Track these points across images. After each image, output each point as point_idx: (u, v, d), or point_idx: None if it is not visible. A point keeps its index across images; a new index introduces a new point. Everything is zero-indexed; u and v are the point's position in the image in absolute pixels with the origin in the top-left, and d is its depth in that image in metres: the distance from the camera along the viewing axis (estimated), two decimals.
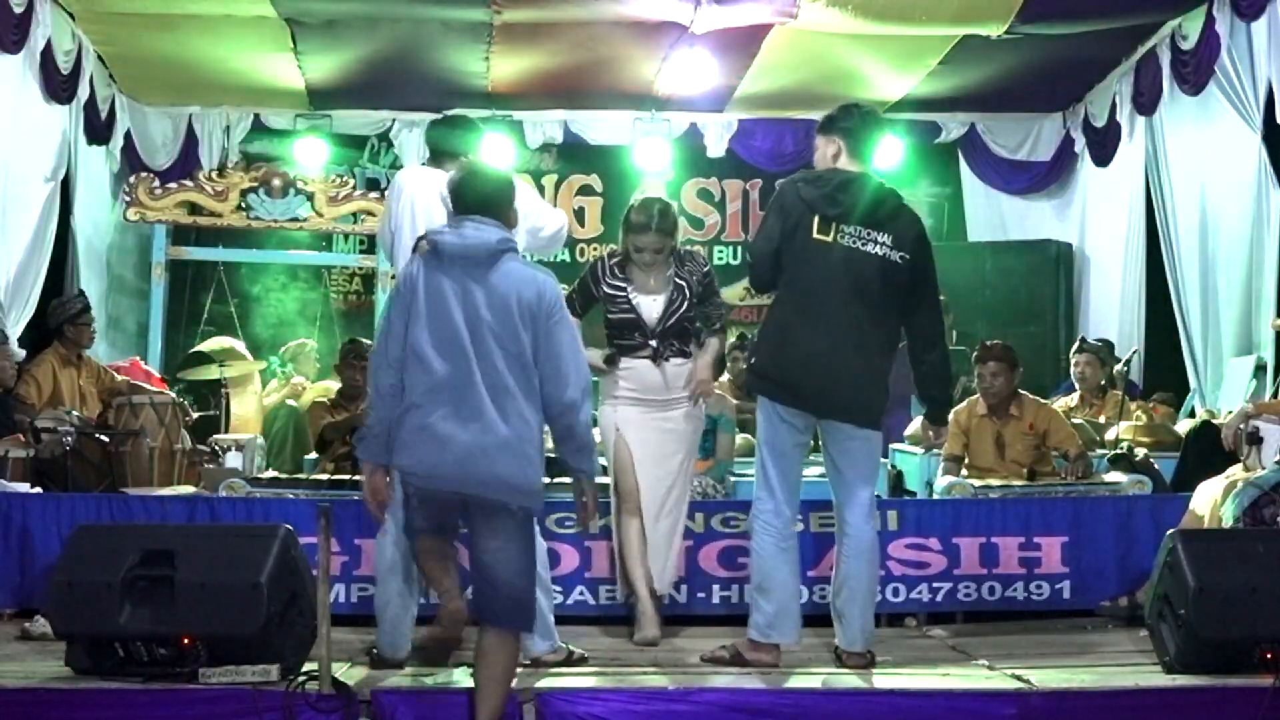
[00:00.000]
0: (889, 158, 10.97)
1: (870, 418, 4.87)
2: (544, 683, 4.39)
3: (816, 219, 4.78)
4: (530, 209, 5.10)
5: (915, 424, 8.00)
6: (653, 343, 5.53)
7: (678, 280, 5.53)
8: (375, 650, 4.82)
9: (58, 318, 7.66)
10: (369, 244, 10.05)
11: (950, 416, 6.98)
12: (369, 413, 4.30)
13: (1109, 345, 8.75)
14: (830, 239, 4.77)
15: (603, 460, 5.43)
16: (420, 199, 5.07)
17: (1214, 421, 6.91)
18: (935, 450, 6.46)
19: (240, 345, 9.01)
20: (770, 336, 4.93)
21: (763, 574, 4.83)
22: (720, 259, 11.44)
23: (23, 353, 7.59)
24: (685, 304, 5.52)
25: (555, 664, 4.73)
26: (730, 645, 4.90)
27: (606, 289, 5.57)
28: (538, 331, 4.12)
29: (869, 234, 4.79)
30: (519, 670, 4.61)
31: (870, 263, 4.78)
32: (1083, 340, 8.63)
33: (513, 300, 4.12)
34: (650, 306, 5.54)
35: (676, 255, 5.58)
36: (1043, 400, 7.15)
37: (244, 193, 9.39)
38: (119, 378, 7.75)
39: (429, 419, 4.06)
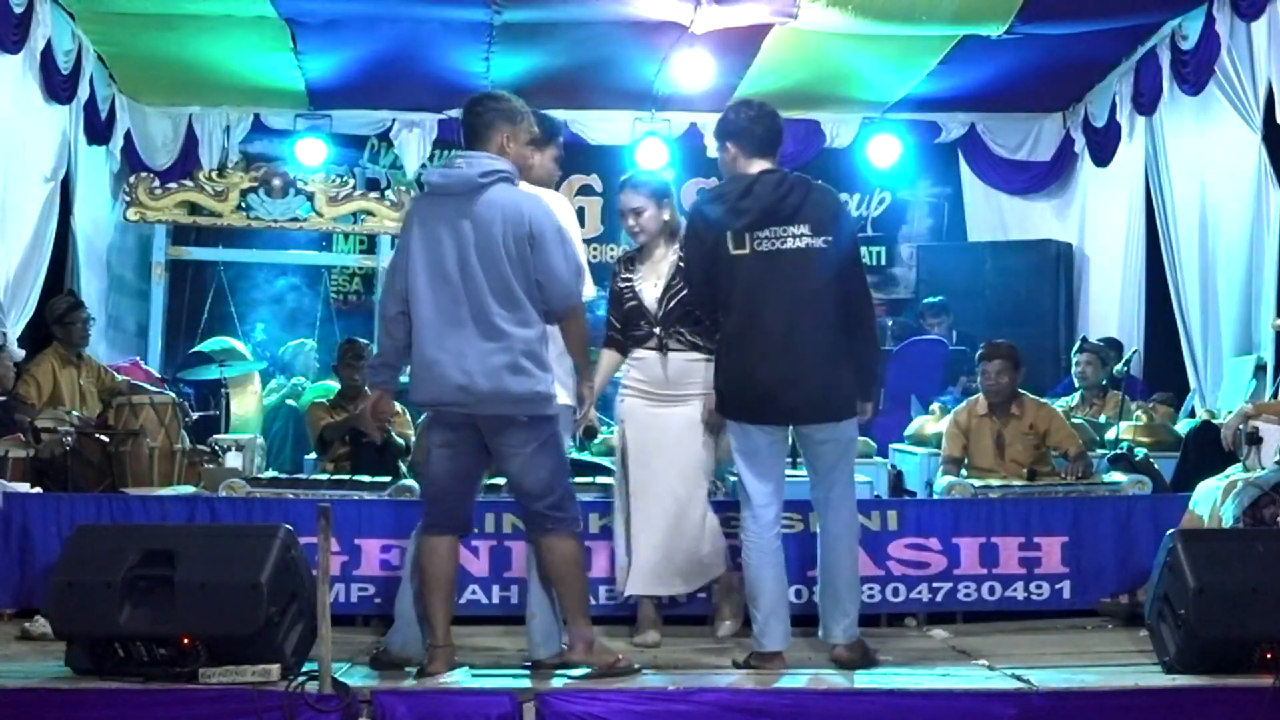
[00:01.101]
0: (889, 157, 11.01)
1: (837, 411, 4.82)
2: (544, 683, 4.39)
3: (730, 235, 4.75)
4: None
5: (916, 424, 8.05)
6: (656, 330, 5.40)
7: (680, 263, 5.33)
8: (384, 649, 4.81)
9: (49, 318, 7.68)
10: (369, 244, 10.06)
11: (949, 418, 7.03)
12: (379, 342, 4.70)
13: (1116, 344, 8.75)
14: (748, 250, 4.74)
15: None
16: None
17: (1214, 421, 6.91)
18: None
19: (240, 345, 9.02)
20: (724, 361, 4.89)
21: (750, 583, 4.85)
22: None
23: (21, 353, 7.59)
24: (685, 286, 5.30)
25: (555, 666, 4.73)
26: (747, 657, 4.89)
27: (619, 284, 5.52)
28: (523, 252, 4.44)
29: (783, 230, 4.73)
30: (519, 670, 4.64)
31: (793, 259, 4.71)
32: (1084, 340, 8.63)
33: (497, 226, 4.44)
34: (650, 290, 5.44)
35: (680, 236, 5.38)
36: (1043, 400, 7.15)
37: (244, 193, 9.39)
38: (119, 378, 7.76)
39: (427, 350, 4.46)
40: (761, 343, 4.71)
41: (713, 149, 10.77)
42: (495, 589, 5.74)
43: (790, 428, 4.90)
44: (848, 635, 4.83)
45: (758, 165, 4.82)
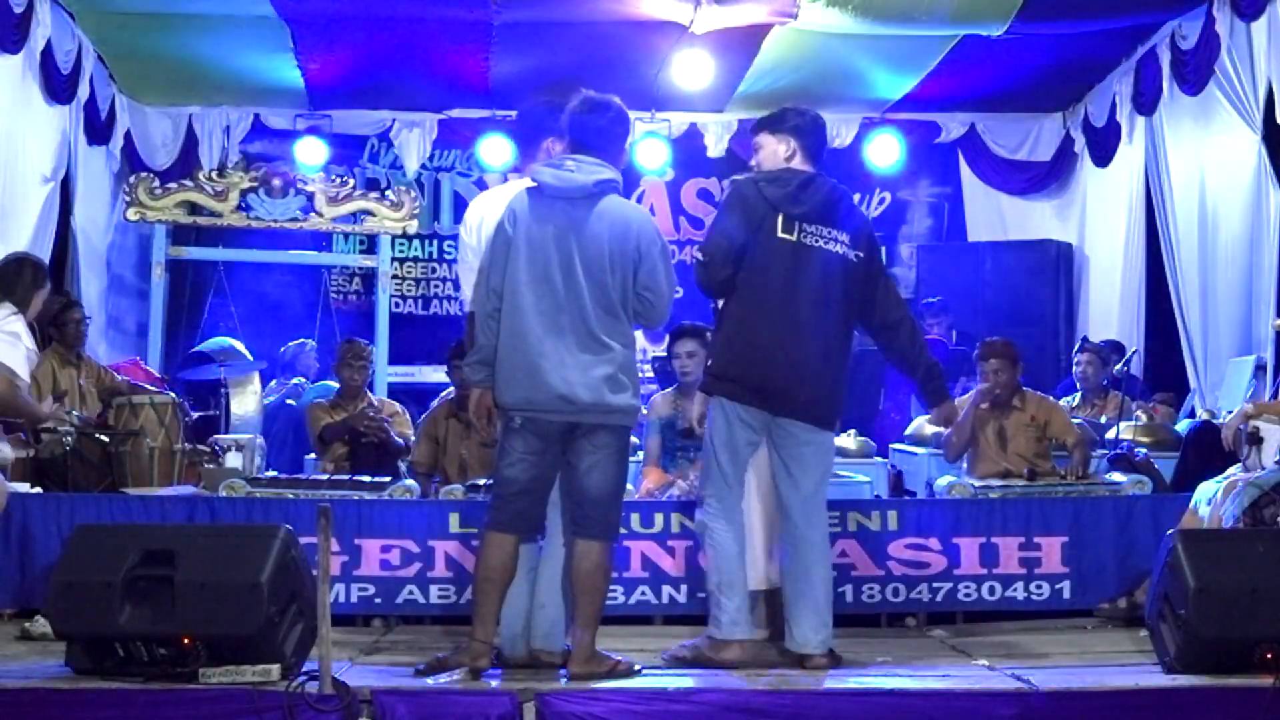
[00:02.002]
0: (889, 157, 11.01)
1: (829, 418, 4.88)
2: (544, 683, 4.39)
3: (780, 217, 4.77)
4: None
5: (916, 424, 8.05)
6: None
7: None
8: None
9: (45, 318, 7.66)
10: (369, 244, 10.06)
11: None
12: (474, 339, 4.60)
13: (1118, 347, 8.75)
14: (795, 238, 4.77)
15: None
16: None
17: (1214, 421, 6.91)
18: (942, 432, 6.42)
19: (240, 345, 9.01)
20: (732, 337, 4.86)
21: (724, 572, 4.80)
22: None
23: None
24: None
25: (553, 665, 4.73)
26: (691, 645, 4.86)
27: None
28: (627, 268, 4.49)
29: (830, 233, 4.81)
30: (518, 671, 4.64)
31: (832, 261, 4.80)
32: (1084, 340, 8.63)
33: (604, 238, 4.48)
34: None
35: None
36: (1045, 395, 7.17)
37: (244, 193, 9.38)
38: (119, 378, 7.75)
39: (527, 354, 4.45)
40: (783, 330, 4.73)
41: (713, 149, 10.93)
42: None
43: (767, 429, 4.85)
44: (826, 645, 4.81)
45: (809, 167, 4.90)
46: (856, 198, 11.21)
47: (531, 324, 4.47)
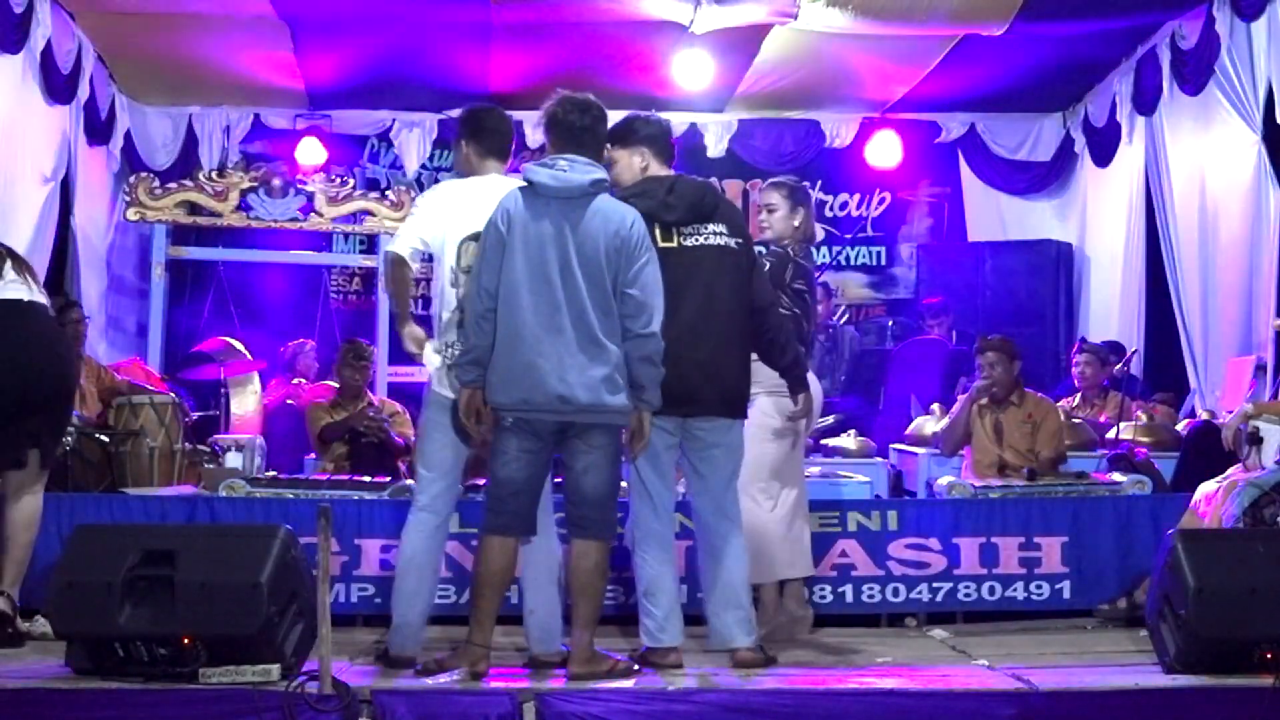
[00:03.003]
0: (889, 158, 11.01)
1: (740, 407, 4.92)
2: (544, 683, 4.39)
3: (658, 228, 4.80)
4: None
5: (916, 424, 8.05)
6: None
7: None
8: (385, 648, 4.82)
9: None
10: (369, 244, 10.04)
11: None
12: (465, 339, 4.59)
13: (1118, 348, 8.75)
14: (676, 243, 4.82)
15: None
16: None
17: (1214, 421, 6.91)
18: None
19: (240, 345, 9.01)
20: None
21: (649, 581, 4.79)
22: None
23: None
24: None
25: (553, 665, 4.74)
26: (634, 656, 4.84)
27: None
28: (620, 267, 4.49)
29: (707, 228, 4.86)
30: (517, 670, 4.65)
31: (715, 255, 4.84)
32: (1083, 340, 8.63)
33: (600, 238, 4.49)
34: None
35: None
36: (1046, 397, 7.18)
37: (244, 193, 9.37)
38: (119, 378, 7.75)
39: (524, 353, 4.45)
40: (683, 334, 4.72)
41: (713, 149, 10.92)
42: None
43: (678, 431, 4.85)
44: (753, 638, 4.83)
45: (666, 171, 4.96)
46: (844, 197, 11.33)
47: (529, 324, 4.46)
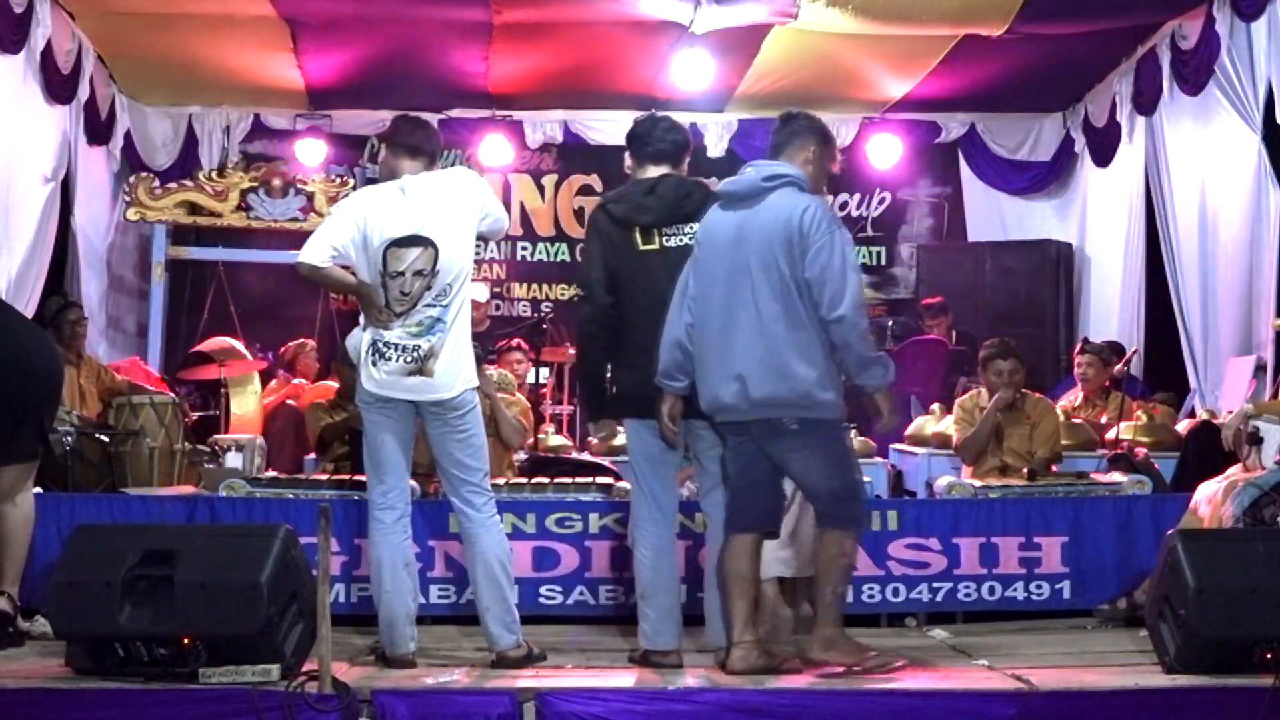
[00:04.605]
0: (889, 158, 11.01)
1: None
2: (544, 683, 4.39)
3: (637, 232, 4.83)
4: (494, 206, 5.06)
5: (916, 424, 8.05)
6: None
7: None
8: (381, 650, 4.83)
9: (46, 319, 7.69)
10: None
11: (956, 405, 7.10)
12: (660, 356, 4.67)
13: (1117, 347, 8.75)
14: (656, 246, 4.83)
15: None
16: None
17: (1214, 421, 6.91)
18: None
19: (240, 345, 9.01)
20: (624, 358, 4.86)
21: (645, 583, 4.82)
22: None
23: None
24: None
25: (518, 660, 4.75)
26: (636, 656, 4.86)
27: None
28: (797, 256, 4.47)
29: (686, 228, 4.84)
30: (518, 670, 4.65)
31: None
32: (1085, 340, 8.63)
33: (777, 229, 4.51)
34: None
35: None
36: (1045, 398, 7.18)
37: (244, 193, 9.39)
38: (119, 378, 7.75)
39: (706, 358, 4.57)
40: (660, 337, 4.71)
41: (713, 149, 10.92)
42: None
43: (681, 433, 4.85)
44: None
45: (654, 170, 4.94)
46: (844, 197, 11.32)
47: (712, 326, 4.56)
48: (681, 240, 4.83)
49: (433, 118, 10.59)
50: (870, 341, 4.57)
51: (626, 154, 5.06)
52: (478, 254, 7.44)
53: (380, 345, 4.83)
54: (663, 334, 4.67)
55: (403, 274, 4.77)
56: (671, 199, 4.86)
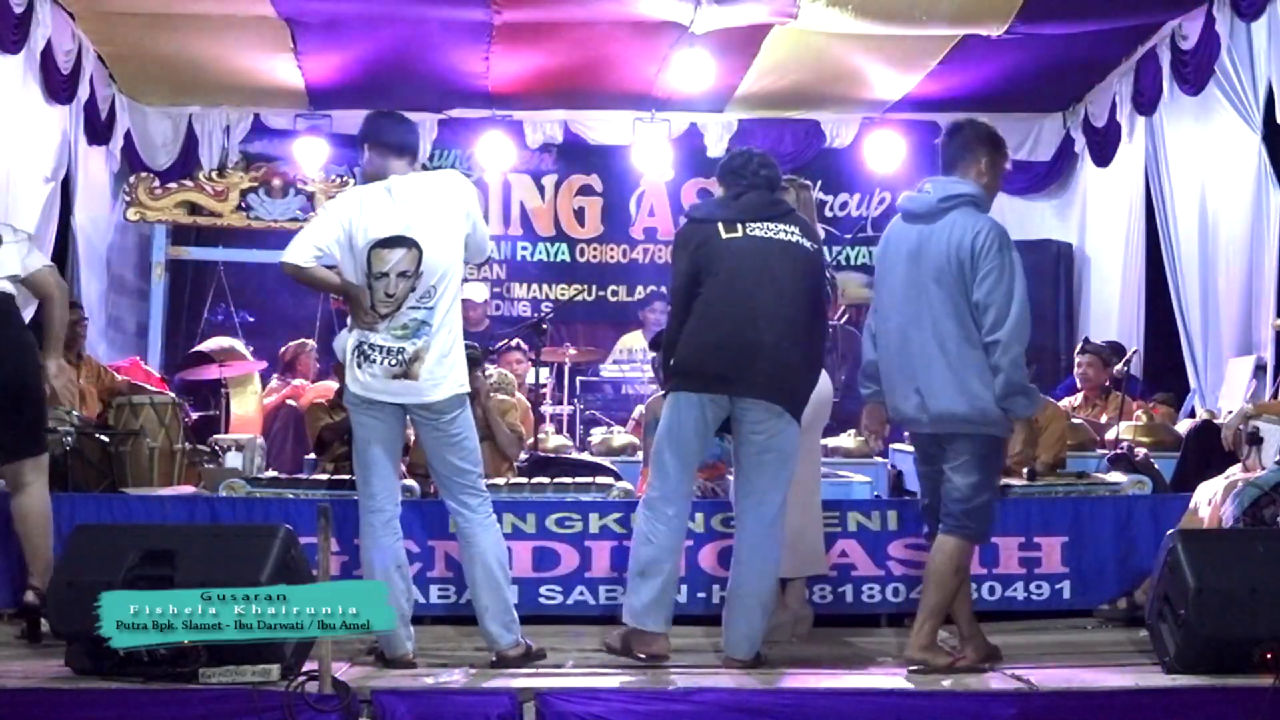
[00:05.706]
0: (889, 157, 11.00)
1: (794, 400, 4.86)
2: (544, 683, 4.39)
3: (721, 225, 4.86)
4: (479, 218, 5.00)
5: None
6: None
7: None
8: (380, 651, 4.83)
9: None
10: None
11: None
12: (868, 354, 4.89)
13: (1117, 347, 8.75)
14: (740, 234, 4.86)
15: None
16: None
17: (1214, 421, 6.91)
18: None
19: (240, 345, 9.01)
20: (690, 331, 4.85)
21: (648, 560, 4.78)
22: None
23: None
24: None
25: (517, 658, 4.75)
26: (615, 636, 4.86)
27: None
28: (969, 279, 4.59)
29: (775, 226, 4.88)
30: (517, 670, 4.65)
31: (784, 247, 4.86)
32: (1086, 341, 8.62)
33: (951, 250, 4.62)
34: None
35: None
36: (1051, 400, 7.18)
37: (244, 193, 9.39)
38: (119, 378, 7.75)
39: (892, 373, 4.75)
40: (745, 310, 4.75)
41: (713, 149, 10.90)
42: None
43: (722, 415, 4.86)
44: (753, 650, 4.83)
45: (733, 189, 5.02)
46: (844, 197, 11.33)
47: (894, 342, 4.73)
48: (768, 233, 4.86)
49: (433, 118, 10.72)
50: (1024, 371, 4.61)
51: (719, 187, 5.10)
52: None
53: (365, 347, 4.80)
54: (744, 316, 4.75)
55: (387, 275, 4.74)
56: (760, 203, 4.92)
